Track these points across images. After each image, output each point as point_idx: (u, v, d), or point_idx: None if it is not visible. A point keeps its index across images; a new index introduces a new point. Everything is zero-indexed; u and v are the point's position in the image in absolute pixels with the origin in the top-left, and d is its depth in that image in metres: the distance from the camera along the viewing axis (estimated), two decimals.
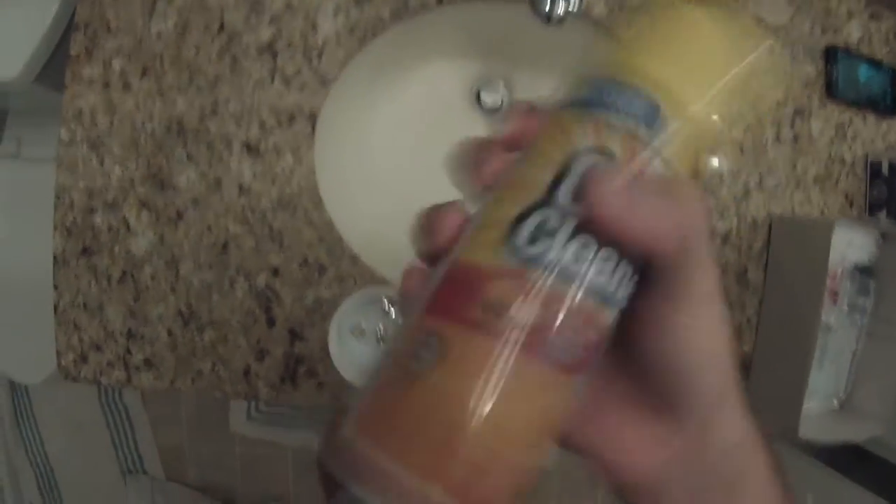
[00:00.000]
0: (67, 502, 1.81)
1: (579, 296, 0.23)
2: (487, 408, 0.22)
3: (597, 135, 0.25)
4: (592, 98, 0.26)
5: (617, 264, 0.24)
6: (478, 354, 0.23)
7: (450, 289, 0.24)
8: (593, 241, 0.24)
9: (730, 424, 0.29)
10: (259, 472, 1.80)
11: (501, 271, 0.23)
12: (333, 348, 0.60)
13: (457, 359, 0.23)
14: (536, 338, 0.23)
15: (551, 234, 0.23)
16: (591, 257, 0.24)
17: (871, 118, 0.79)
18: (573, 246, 0.23)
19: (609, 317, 0.25)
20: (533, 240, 0.23)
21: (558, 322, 0.23)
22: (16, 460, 1.81)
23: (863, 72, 0.78)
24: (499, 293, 0.23)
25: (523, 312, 0.23)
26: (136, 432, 1.78)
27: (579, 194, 0.24)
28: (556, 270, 0.23)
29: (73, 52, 0.67)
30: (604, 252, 0.24)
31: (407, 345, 0.24)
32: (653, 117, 0.24)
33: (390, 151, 0.79)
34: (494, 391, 0.22)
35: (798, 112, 0.76)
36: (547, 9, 0.63)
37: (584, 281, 0.23)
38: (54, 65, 0.90)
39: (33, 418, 1.78)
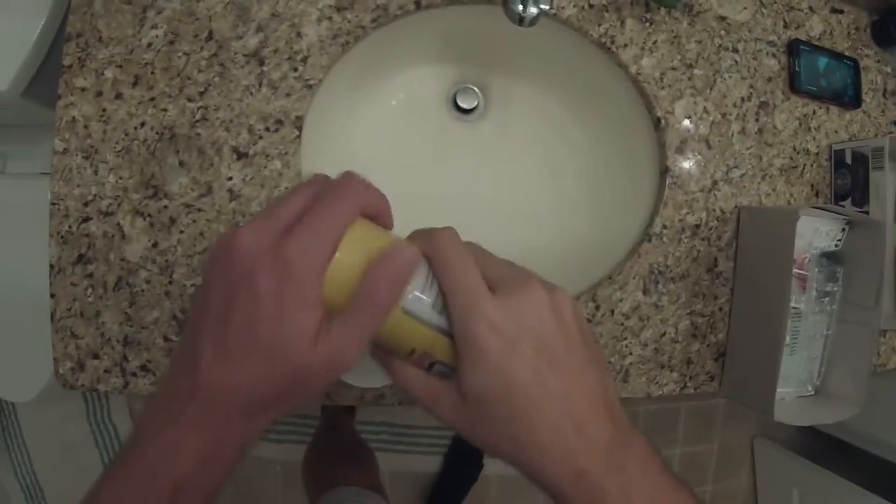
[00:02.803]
0: None
1: None
2: None
3: None
4: None
5: None
6: None
7: None
8: None
9: None
10: (248, 487, 1.82)
11: None
12: None
13: None
14: None
15: None
16: None
17: (834, 109, 0.84)
18: None
19: None
20: None
21: None
22: (5, 482, 1.82)
23: (825, 65, 0.84)
24: None
25: None
26: None
27: None
28: None
29: (65, 63, 0.71)
30: None
31: None
32: None
33: (372, 155, 0.83)
34: None
35: (762, 105, 0.81)
36: (520, 9, 0.67)
37: None
38: (42, 79, 0.92)
39: (22, 439, 1.79)
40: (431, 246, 0.41)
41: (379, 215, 0.42)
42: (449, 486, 1.84)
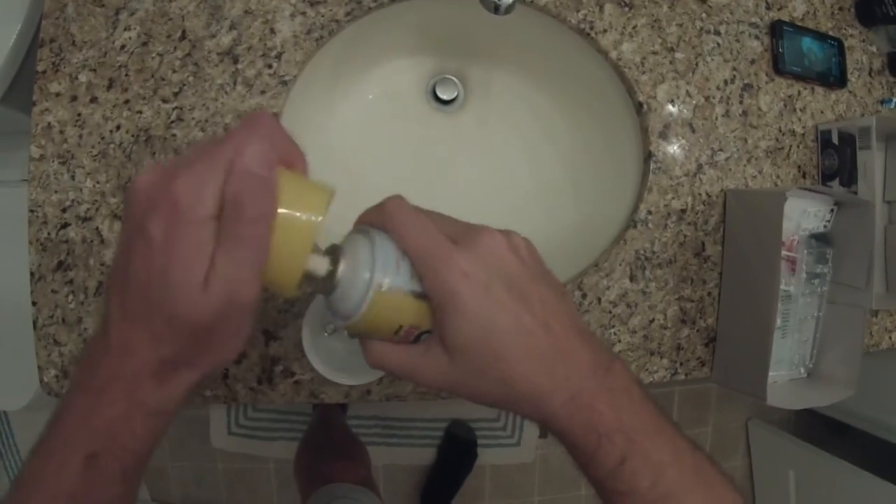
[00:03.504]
0: None
1: None
2: None
3: None
4: None
5: None
6: None
7: None
8: None
9: None
10: (242, 486, 1.83)
11: None
12: (307, 346, 0.63)
13: None
14: None
15: None
16: None
17: (819, 90, 0.84)
18: None
19: None
20: None
21: None
22: None
23: (808, 45, 0.83)
24: None
25: None
26: None
27: None
28: None
29: (39, 68, 0.70)
30: None
31: None
32: None
33: (351, 149, 0.82)
34: None
35: (746, 87, 0.81)
36: None
37: None
38: (19, 85, 0.92)
39: (15, 447, 1.80)
40: (383, 216, 0.41)
41: (287, 159, 0.39)
42: (443, 478, 1.85)
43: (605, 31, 0.78)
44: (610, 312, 0.76)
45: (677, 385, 1.93)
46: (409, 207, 0.42)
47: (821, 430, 1.83)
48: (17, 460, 1.80)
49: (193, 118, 0.71)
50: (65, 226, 0.70)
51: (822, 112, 0.84)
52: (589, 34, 0.77)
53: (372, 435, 1.84)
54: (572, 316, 0.42)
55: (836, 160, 0.83)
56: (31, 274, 0.71)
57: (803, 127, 0.83)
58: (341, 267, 0.40)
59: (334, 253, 0.41)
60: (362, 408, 1.83)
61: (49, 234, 0.70)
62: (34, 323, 0.71)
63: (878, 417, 1.61)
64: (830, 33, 0.86)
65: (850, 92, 0.86)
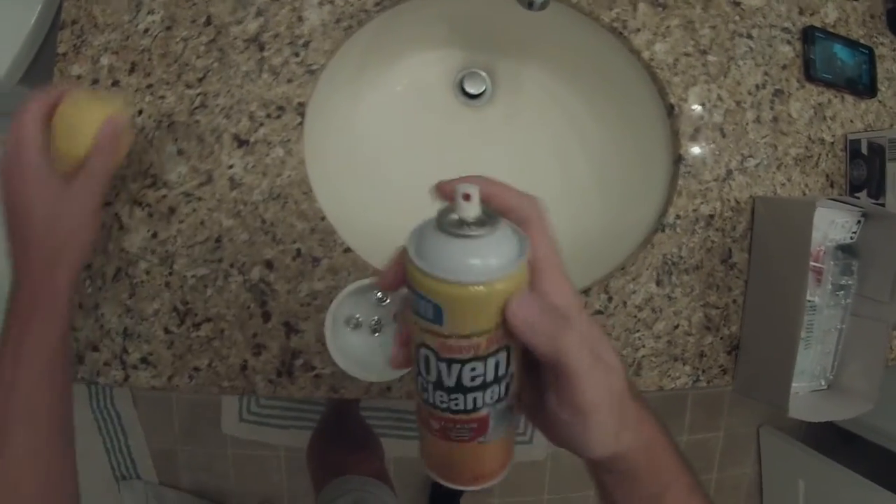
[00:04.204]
0: None
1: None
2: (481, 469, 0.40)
3: None
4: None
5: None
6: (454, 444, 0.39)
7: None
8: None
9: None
10: (252, 473, 1.80)
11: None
12: (329, 340, 0.61)
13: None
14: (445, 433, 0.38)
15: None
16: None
17: (849, 98, 0.81)
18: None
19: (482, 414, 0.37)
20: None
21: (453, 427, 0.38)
22: None
23: (840, 52, 0.80)
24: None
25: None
26: (128, 437, 1.77)
27: None
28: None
29: (60, 50, 0.67)
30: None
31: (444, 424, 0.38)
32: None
33: (377, 141, 0.80)
34: (475, 455, 0.40)
35: (777, 93, 0.78)
36: None
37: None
38: (38, 66, 0.89)
39: None
40: (532, 223, 0.38)
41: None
42: None
43: (638, 30, 0.74)
44: (635, 317, 0.73)
45: (691, 388, 1.89)
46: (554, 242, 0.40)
47: (832, 439, 1.79)
48: None
49: (218, 105, 0.68)
50: None
51: (851, 121, 0.81)
52: (622, 33, 0.74)
53: (384, 427, 1.79)
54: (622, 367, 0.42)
55: (864, 171, 0.79)
56: None
57: (832, 135, 0.80)
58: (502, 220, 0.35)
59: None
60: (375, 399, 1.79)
61: None
62: None
63: (890, 430, 1.58)
64: (861, 41, 0.82)
65: (879, 102, 0.82)
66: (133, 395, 1.76)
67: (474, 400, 0.36)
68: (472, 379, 0.35)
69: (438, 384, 0.36)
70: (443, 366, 0.35)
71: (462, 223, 0.33)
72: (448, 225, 0.33)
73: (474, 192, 0.33)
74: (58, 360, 0.55)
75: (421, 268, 0.33)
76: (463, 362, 0.35)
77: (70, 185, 0.55)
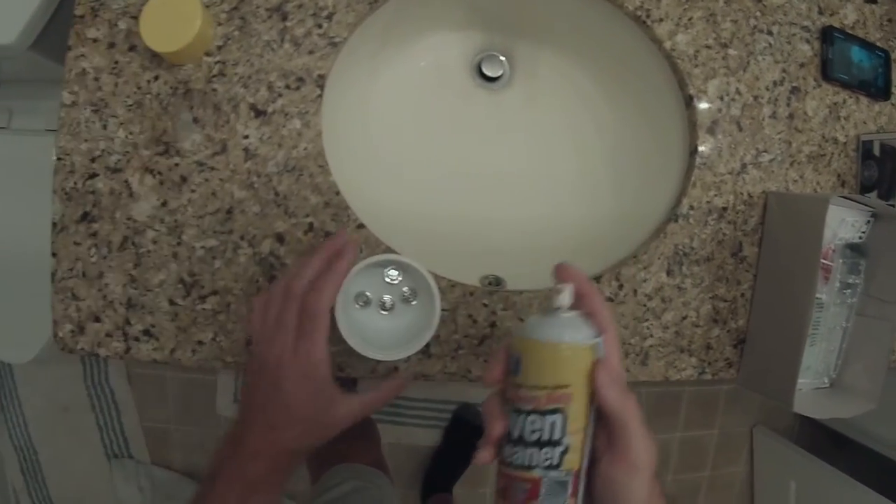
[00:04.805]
0: (51, 486, 1.76)
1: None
2: None
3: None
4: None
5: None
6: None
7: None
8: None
9: None
10: None
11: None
12: (340, 317, 0.58)
13: None
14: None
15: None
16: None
17: (863, 100, 0.79)
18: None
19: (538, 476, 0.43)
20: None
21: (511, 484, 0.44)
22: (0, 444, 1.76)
23: (857, 54, 0.78)
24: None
25: None
26: (121, 415, 1.73)
27: None
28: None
29: (78, 13, 0.64)
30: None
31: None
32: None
33: (393, 118, 0.78)
34: None
35: (794, 90, 0.76)
36: None
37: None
38: (51, 32, 0.86)
39: (17, 400, 1.73)
40: (610, 338, 0.46)
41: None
42: (447, 461, 1.77)
43: (661, 20, 0.72)
44: (644, 306, 0.71)
45: (687, 385, 1.89)
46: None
47: (825, 442, 1.78)
48: (19, 414, 1.73)
49: (237, 73, 0.65)
50: (93, 176, 0.65)
51: (864, 122, 0.79)
52: (645, 22, 0.72)
53: (380, 412, 1.76)
54: None
55: (876, 172, 0.78)
56: (53, 224, 0.65)
57: (846, 135, 0.78)
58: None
59: None
60: (372, 383, 1.75)
61: (76, 183, 0.65)
62: (52, 275, 0.65)
63: (883, 434, 1.58)
64: (878, 44, 0.81)
65: (893, 105, 0.81)
66: (128, 372, 1.73)
67: (530, 456, 0.43)
68: (532, 432, 0.43)
69: (509, 436, 0.44)
70: (513, 415, 0.44)
71: (557, 308, 0.45)
72: (546, 311, 0.45)
73: (568, 288, 0.45)
74: None
75: (518, 335, 0.45)
76: (527, 413, 0.43)
77: (345, 398, 0.55)
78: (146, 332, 0.66)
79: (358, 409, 0.56)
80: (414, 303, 0.62)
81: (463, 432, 1.77)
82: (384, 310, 0.62)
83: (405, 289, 0.61)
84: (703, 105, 0.73)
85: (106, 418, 1.73)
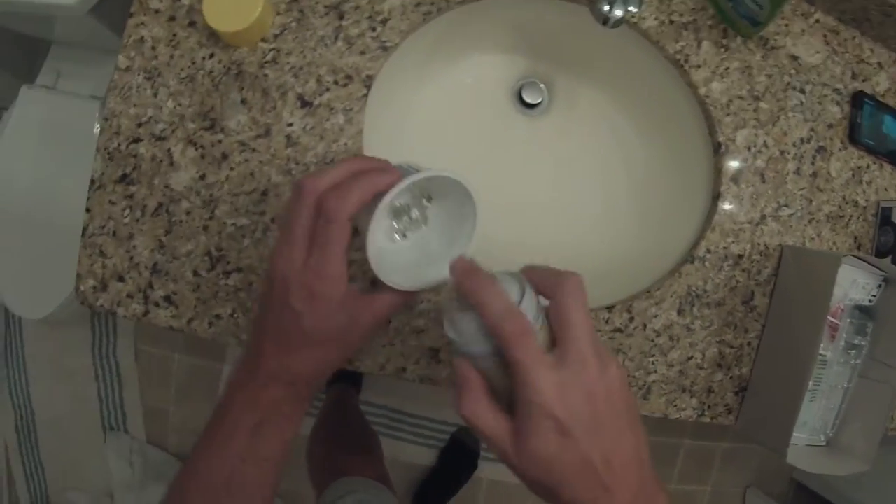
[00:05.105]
0: (43, 448, 1.76)
1: None
2: None
3: None
4: None
5: None
6: None
7: None
8: None
9: None
10: None
11: None
12: (370, 240, 0.47)
13: None
14: None
15: None
16: None
17: (887, 167, 0.80)
18: None
19: None
20: None
21: None
22: None
23: (887, 122, 0.79)
24: None
25: None
26: (123, 389, 1.73)
27: None
28: None
29: None
30: None
31: None
32: None
33: (431, 130, 0.79)
34: None
35: (820, 150, 0.77)
36: (606, 9, 0.64)
37: None
38: (111, 1, 0.88)
39: (22, 357, 1.73)
40: (556, 294, 0.43)
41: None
42: (440, 482, 1.76)
43: (698, 66, 0.74)
44: (652, 341, 0.72)
45: (686, 438, 1.87)
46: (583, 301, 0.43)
47: None
48: (22, 373, 1.74)
49: (288, 63, 0.67)
50: (137, 140, 0.66)
51: (886, 189, 0.80)
52: (683, 66, 0.73)
53: (378, 424, 1.75)
54: (637, 451, 0.43)
55: (892, 238, 0.79)
56: (92, 181, 0.66)
57: (866, 200, 0.79)
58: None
59: None
60: (373, 395, 1.76)
61: (119, 145, 0.66)
62: (84, 230, 0.67)
63: None
64: None
65: None
66: (136, 349, 1.74)
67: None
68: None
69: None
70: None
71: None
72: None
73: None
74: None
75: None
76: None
77: (366, 305, 0.48)
78: (167, 299, 0.67)
79: (387, 309, 0.49)
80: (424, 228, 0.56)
81: (459, 456, 1.76)
82: (404, 234, 0.55)
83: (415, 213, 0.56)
84: (731, 153, 0.74)
85: (108, 390, 1.74)
